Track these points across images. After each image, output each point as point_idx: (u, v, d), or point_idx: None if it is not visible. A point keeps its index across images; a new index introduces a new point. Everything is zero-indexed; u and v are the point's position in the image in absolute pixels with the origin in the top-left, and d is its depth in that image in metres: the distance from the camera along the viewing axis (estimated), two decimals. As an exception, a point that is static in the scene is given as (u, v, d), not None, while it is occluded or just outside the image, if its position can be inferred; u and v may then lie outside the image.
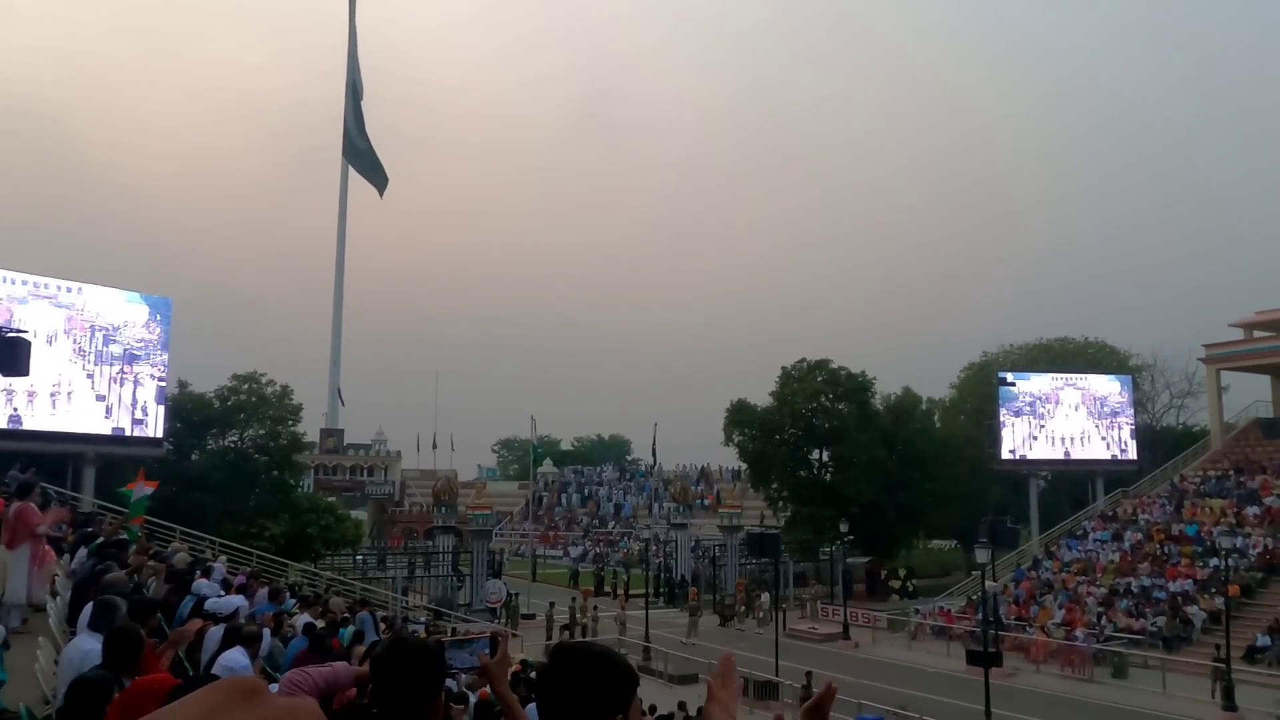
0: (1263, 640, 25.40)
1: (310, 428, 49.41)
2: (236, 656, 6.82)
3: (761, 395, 46.68)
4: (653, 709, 15.73)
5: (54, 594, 9.86)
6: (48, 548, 10.46)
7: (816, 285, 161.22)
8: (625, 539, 58.96)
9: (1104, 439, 42.52)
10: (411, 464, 64.34)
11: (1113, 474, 42.40)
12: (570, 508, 69.72)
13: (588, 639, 20.84)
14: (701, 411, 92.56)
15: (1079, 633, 27.27)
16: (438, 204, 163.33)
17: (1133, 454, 42.44)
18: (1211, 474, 37.99)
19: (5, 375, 16.86)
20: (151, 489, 17.25)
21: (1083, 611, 29.28)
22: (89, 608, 6.48)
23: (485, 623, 29.26)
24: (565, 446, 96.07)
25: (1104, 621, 28.38)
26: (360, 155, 64.81)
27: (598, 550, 57.99)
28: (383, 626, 14.76)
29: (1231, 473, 37.17)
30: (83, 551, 11.72)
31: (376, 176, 65.36)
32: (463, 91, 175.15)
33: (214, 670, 6.46)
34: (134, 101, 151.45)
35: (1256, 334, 41.04)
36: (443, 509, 37.07)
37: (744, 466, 50.00)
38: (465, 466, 75.64)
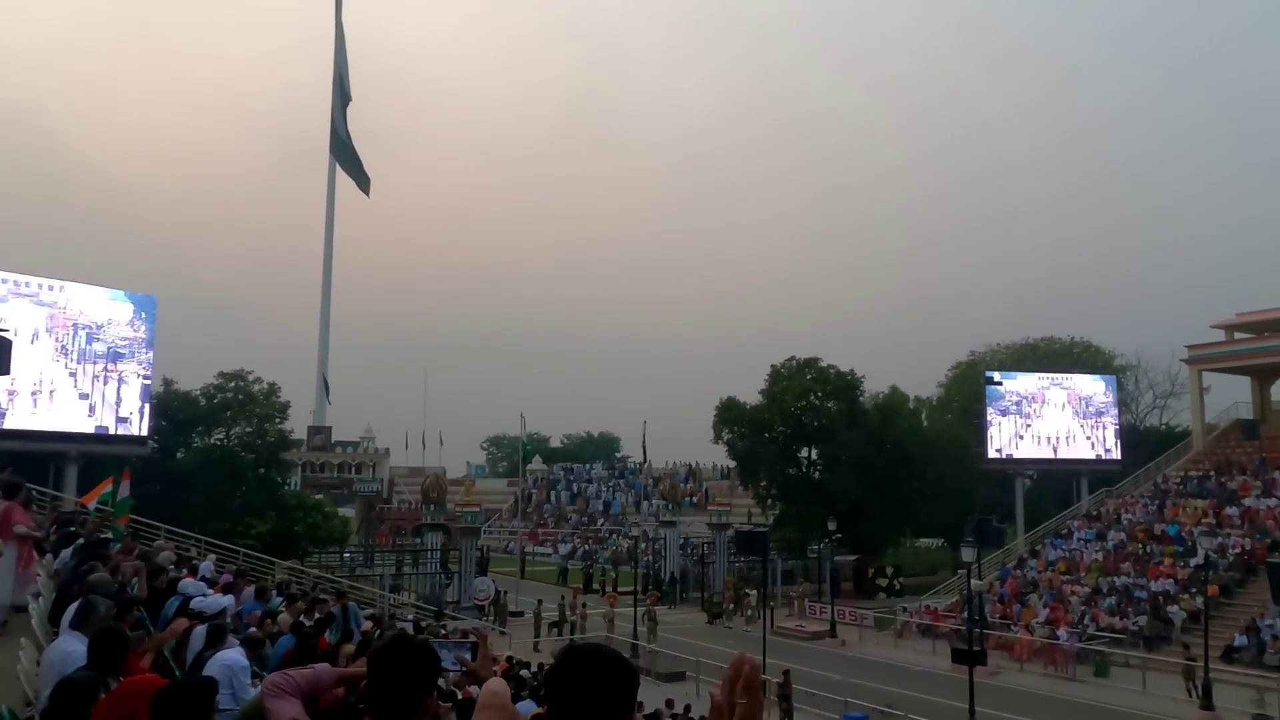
0: (1240, 640, 25.67)
1: (298, 425, 49.21)
2: (235, 656, 6.80)
3: (751, 393, 46.88)
4: (640, 706, 15.77)
5: (36, 595, 9.81)
6: (32, 550, 10.39)
7: (805, 285, 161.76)
8: (614, 536, 58.99)
9: (1089, 438, 42.88)
10: (400, 461, 64.15)
11: (1097, 473, 42.78)
12: (559, 505, 69.69)
13: (595, 639, 20.82)
14: (691, 409, 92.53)
15: (1062, 631, 27.50)
16: (427, 202, 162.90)
17: (1117, 454, 42.82)
18: (1193, 474, 38.37)
19: (-12, 373, 16.74)
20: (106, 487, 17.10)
21: (1066, 610, 29.53)
22: (72, 608, 6.46)
23: (471, 621, 29.22)
24: (555, 444, 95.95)
25: (1087, 620, 28.65)
26: (346, 152, 64.58)
27: (586, 548, 58.00)
28: (368, 624, 14.72)
29: (1212, 473, 37.55)
30: (66, 552, 11.66)
31: (359, 175, 65.12)
32: (452, 88, 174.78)
33: (209, 669, 6.41)
34: (118, 99, 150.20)
35: (1237, 335, 41.48)
36: (431, 506, 36.99)
37: (733, 464, 50.14)
38: (454, 464, 75.52)
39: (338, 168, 64.37)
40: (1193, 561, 29.89)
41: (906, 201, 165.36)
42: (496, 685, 1.52)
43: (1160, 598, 28.80)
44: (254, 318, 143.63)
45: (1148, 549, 32.90)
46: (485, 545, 44.44)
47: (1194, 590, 28.00)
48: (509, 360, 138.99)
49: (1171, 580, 29.78)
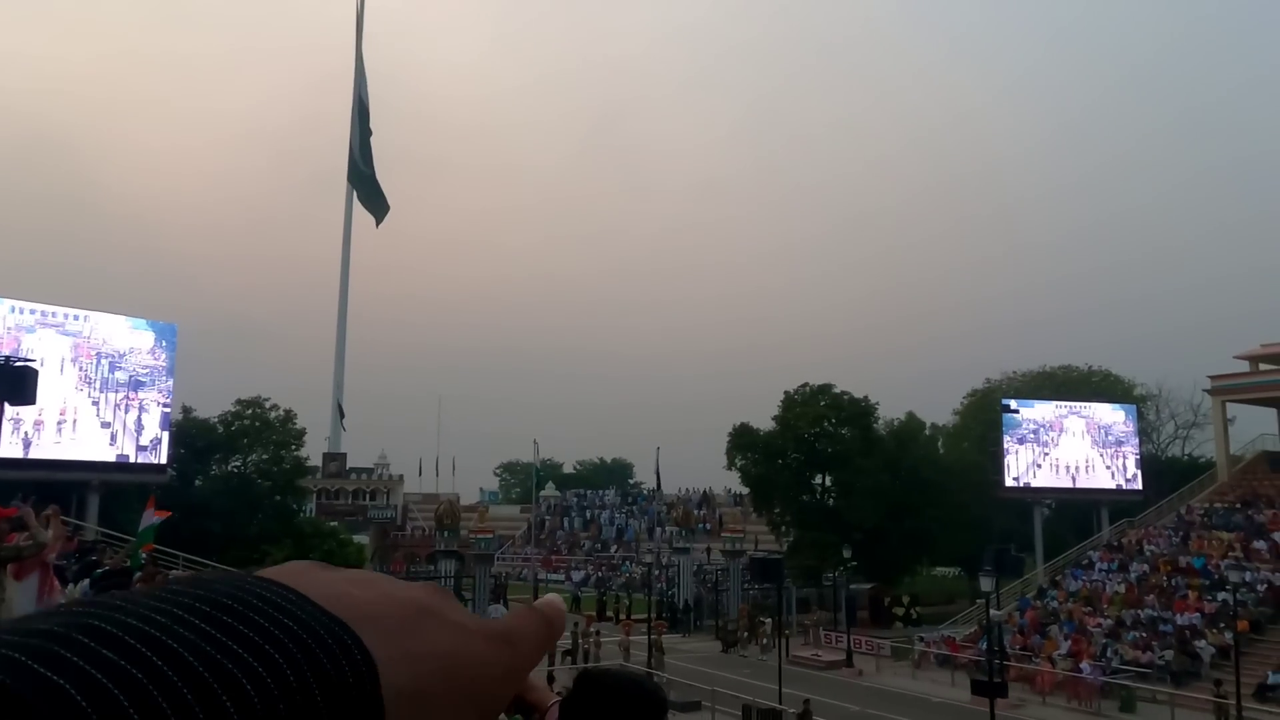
0: (1275, 678, 25.03)
1: (313, 452, 49.40)
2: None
3: (764, 419, 46.67)
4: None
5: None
6: (53, 578, 10.48)
7: (820, 312, 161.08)
8: (627, 563, 58.65)
9: (1109, 468, 42.37)
10: (414, 488, 64.33)
11: (1118, 503, 42.19)
12: (572, 531, 69.43)
13: (614, 665, 20.72)
14: (704, 435, 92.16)
15: (1085, 664, 27.02)
16: (442, 228, 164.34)
17: (1138, 484, 42.25)
18: (1218, 506, 37.77)
19: (13, 405, 17.02)
20: (160, 518, 17.12)
21: (1089, 643, 29.03)
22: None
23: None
24: (567, 470, 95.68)
25: (1110, 653, 28.14)
26: (363, 180, 65.01)
27: (600, 574, 57.69)
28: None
29: (1239, 505, 36.95)
30: (85, 582, 11.77)
31: (376, 204, 65.31)
32: (467, 115, 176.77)
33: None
34: (140, 128, 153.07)
35: (1262, 366, 40.96)
36: (445, 533, 36.96)
37: (746, 490, 49.87)
38: (467, 490, 75.51)
39: (355, 194, 64.86)
40: (1219, 595, 29.35)
41: (922, 230, 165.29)
42: (556, 599, 1.48)
43: (1187, 632, 28.25)
44: (270, 344, 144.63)
45: (1172, 581, 32.34)
46: (504, 573, 44.36)
47: (1222, 625, 27.47)
48: (522, 387, 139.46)
49: (1198, 614, 29.22)
